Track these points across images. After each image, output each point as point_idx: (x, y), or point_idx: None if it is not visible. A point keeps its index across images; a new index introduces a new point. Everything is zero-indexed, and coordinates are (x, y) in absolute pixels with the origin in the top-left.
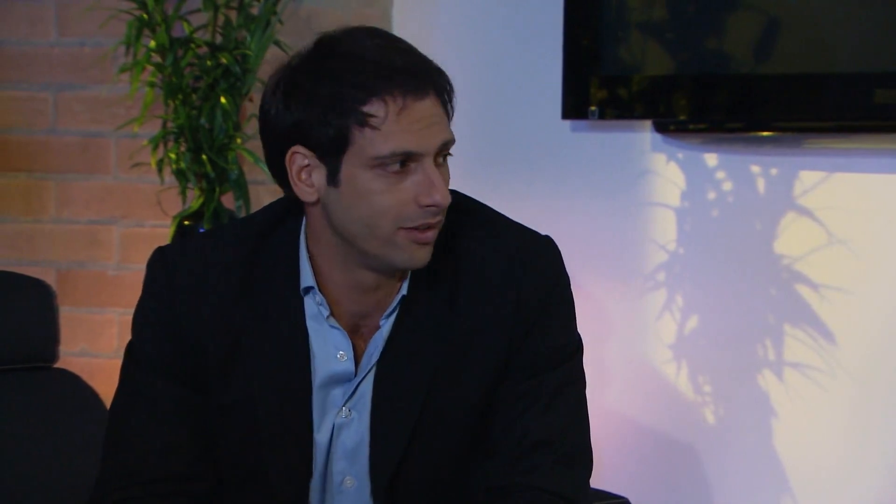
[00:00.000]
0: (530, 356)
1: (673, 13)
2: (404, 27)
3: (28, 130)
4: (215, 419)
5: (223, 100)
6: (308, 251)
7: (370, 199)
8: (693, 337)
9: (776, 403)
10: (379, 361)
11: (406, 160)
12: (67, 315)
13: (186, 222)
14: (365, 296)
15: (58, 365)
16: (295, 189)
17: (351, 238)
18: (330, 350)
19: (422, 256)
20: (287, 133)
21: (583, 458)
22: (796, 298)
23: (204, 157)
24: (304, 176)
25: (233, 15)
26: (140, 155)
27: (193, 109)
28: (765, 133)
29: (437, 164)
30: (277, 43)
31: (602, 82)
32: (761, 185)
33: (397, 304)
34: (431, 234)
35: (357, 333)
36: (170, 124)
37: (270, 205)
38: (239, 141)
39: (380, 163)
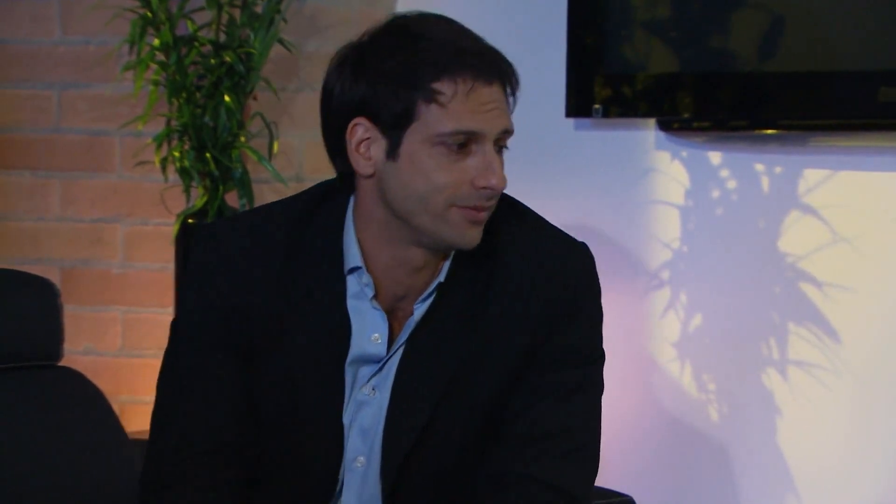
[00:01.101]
0: (554, 352)
1: (677, 11)
2: None
3: (32, 129)
4: (257, 394)
5: (227, 98)
6: (355, 232)
7: (427, 175)
8: (697, 335)
9: (780, 402)
10: (406, 343)
11: (467, 141)
12: (71, 313)
13: (190, 220)
14: (408, 276)
15: (61, 363)
16: (352, 160)
17: (404, 213)
18: (367, 331)
19: (473, 235)
20: (352, 105)
21: (590, 456)
22: (801, 297)
23: (208, 155)
24: (363, 149)
25: (236, 13)
26: (144, 153)
27: (197, 108)
28: (769, 131)
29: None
30: (281, 41)
31: (606, 80)
32: (765, 183)
33: (433, 289)
34: (484, 215)
35: (392, 316)
36: (174, 123)
37: (313, 187)
38: (243, 139)
39: (441, 140)
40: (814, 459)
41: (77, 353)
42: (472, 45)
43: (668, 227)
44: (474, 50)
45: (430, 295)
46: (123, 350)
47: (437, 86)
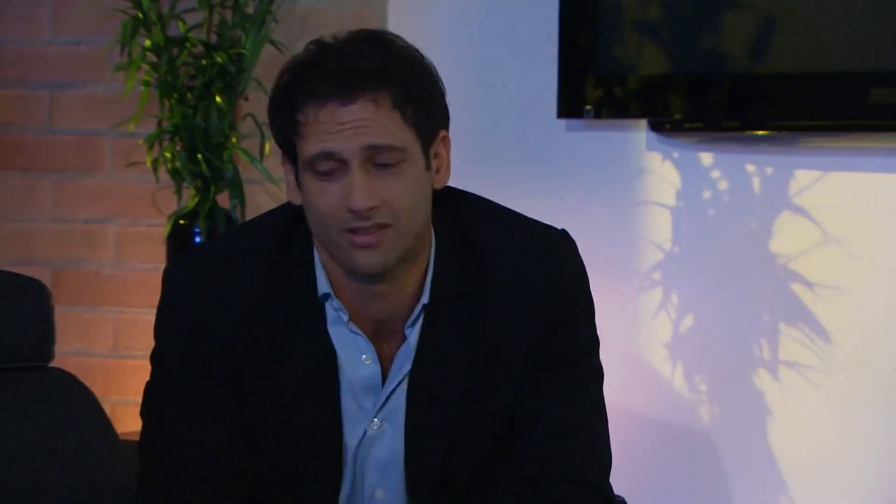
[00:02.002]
0: (559, 348)
1: (669, 12)
2: (400, 26)
3: (24, 129)
4: (250, 427)
5: (218, 99)
6: (321, 259)
7: (311, 202)
8: (689, 336)
9: (771, 402)
10: (411, 372)
11: (335, 164)
12: (63, 314)
13: (182, 221)
14: (375, 302)
15: (52, 364)
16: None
17: (319, 242)
18: (354, 354)
19: (366, 261)
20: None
21: (606, 446)
22: (792, 297)
23: (199, 156)
24: (291, 182)
25: (228, 14)
26: (135, 154)
27: (189, 108)
28: (760, 132)
29: (373, 168)
30: (273, 42)
31: (597, 81)
32: (757, 184)
33: (419, 312)
34: (369, 239)
35: (380, 338)
36: (165, 123)
37: (275, 211)
38: (234, 140)
39: (310, 166)
40: (805, 459)
41: (68, 354)
42: (333, 64)
43: (659, 228)
44: (332, 70)
45: (416, 318)
46: (115, 351)
47: (298, 115)
